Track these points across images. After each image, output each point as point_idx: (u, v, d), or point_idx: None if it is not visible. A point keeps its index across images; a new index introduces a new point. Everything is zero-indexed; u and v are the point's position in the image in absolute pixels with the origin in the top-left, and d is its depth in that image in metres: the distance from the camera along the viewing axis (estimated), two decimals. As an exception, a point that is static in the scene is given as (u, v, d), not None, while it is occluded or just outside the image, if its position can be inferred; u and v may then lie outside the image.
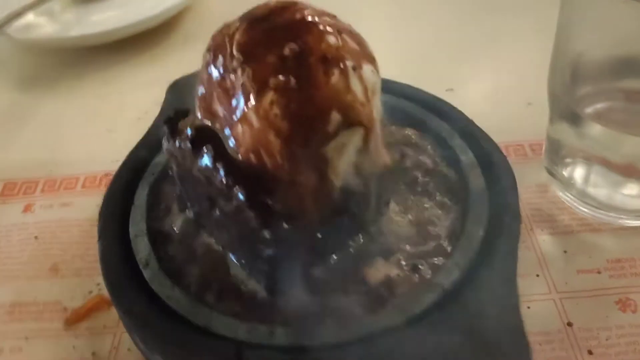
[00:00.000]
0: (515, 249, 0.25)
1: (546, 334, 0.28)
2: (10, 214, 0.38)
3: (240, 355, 0.22)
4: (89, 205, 0.37)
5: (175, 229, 0.28)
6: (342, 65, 0.22)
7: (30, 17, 0.56)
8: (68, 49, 0.56)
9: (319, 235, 0.24)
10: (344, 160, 0.23)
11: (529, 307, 0.29)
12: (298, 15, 0.23)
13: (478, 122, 0.31)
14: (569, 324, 0.28)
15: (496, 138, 0.29)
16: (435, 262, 0.26)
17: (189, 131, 0.24)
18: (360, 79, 0.22)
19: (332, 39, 0.22)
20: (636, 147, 0.30)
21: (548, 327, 0.28)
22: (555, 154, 0.34)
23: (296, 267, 0.24)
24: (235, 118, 0.22)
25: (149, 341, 0.24)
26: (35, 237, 0.35)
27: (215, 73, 0.23)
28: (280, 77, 0.21)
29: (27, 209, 0.38)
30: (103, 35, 0.53)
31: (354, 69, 0.22)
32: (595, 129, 0.31)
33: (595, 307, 0.29)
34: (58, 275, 0.33)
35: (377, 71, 0.23)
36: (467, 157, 0.30)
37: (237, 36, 0.22)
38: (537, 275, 0.30)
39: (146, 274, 0.25)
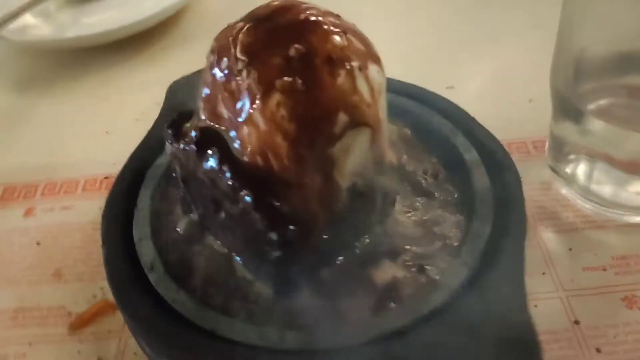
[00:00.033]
0: (522, 247, 0.25)
1: (553, 333, 0.27)
2: (11, 219, 0.38)
3: (251, 359, 0.22)
4: (90, 209, 0.37)
5: (179, 231, 0.28)
6: (348, 66, 0.21)
7: (25, 19, 0.55)
8: (64, 51, 0.55)
9: (325, 237, 0.24)
10: (350, 160, 0.23)
11: (535, 306, 0.29)
12: (302, 16, 0.22)
13: (479, 119, 0.30)
14: (576, 322, 0.28)
15: (498, 136, 0.29)
16: (442, 262, 0.26)
17: (193, 133, 0.24)
18: (367, 79, 0.22)
19: (337, 39, 0.22)
20: (640, 143, 0.30)
21: (555, 326, 0.28)
22: (559, 151, 0.34)
23: (303, 269, 0.24)
24: (240, 120, 0.22)
25: (156, 345, 0.24)
26: (37, 243, 0.35)
27: (219, 75, 0.22)
28: (286, 78, 0.21)
29: (28, 213, 0.38)
30: (100, 37, 0.53)
31: (360, 69, 0.22)
32: (599, 126, 0.31)
33: (602, 305, 0.29)
34: (61, 280, 0.33)
35: (383, 71, 0.23)
36: (470, 155, 0.29)
37: (241, 37, 0.22)
38: (543, 274, 0.30)
39: (152, 277, 0.25)
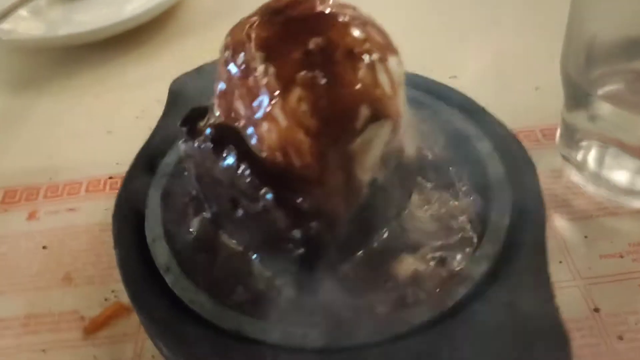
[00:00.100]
0: (543, 236, 0.25)
1: (574, 321, 0.27)
2: (14, 222, 0.37)
3: (276, 359, 0.22)
4: (95, 210, 0.36)
5: (192, 231, 0.28)
6: (369, 58, 0.21)
7: (16, 17, 0.54)
8: (57, 49, 0.54)
9: (346, 232, 0.24)
10: (372, 154, 0.22)
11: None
12: (319, 8, 0.22)
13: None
14: (596, 310, 0.28)
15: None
16: (463, 254, 0.25)
17: (208, 131, 0.23)
18: (387, 71, 0.22)
19: (356, 32, 0.21)
20: (652, 128, 0.30)
21: (575, 314, 0.28)
22: (570, 138, 0.34)
23: (325, 265, 0.24)
24: (259, 116, 0.21)
25: (175, 347, 0.23)
26: (44, 247, 0.34)
27: (235, 70, 0.22)
28: (307, 72, 0.20)
29: (31, 216, 0.37)
30: (93, 34, 0.52)
31: (381, 61, 0.21)
32: (610, 111, 0.31)
33: (621, 292, 0.29)
34: (71, 284, 0.32)
35: (402, 62, 0.23)
36: (483, 145, 0.29)
37: (257, 31, 0.22)
38: (560, 262, 0.30)
39: (168, 279, 0.25)
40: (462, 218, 0.27)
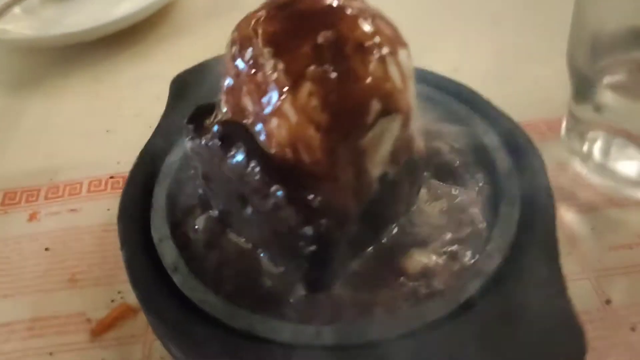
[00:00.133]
0: (553, 228, 0.25)
1: (586, 314, 0.27)
2: (15, 224, 0.36)
3: (288, 358, 0.21)
4: (97, 210, 0.36)
5: (198, 229, 0.27)
6: (379, 52, 0.21)
7: (9, 17, 0.53)
8: (51, 48, 0.53)
9: (356, 228, 0.23)
10: (382, 148, 0.22)
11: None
12: (326, 1, 0.22)
13: (489, 102, 0.30)
14: (608, 302, 0.28)
15: (510, 118, 0.29)
16: (474, 248, 0.25)
17: (215, 128, 0.23)
18: (397, 65, 0.21)
19: (365, 25, 0.21)
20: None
21: (587, 307, 0.28)
22: (577, 130, 0.34)
23: (335, 262, 0.24)
24: (268, 112, 0.21)
25: (186, 348, 0.23)
26: (46, 249, 0.34)
27: (243, 66, 0.22)
28: (317, 67, 0.20)
29: (32, 217, 0.36)
30: (88, 33, 0.51)
31: (391, 54, 0.21)
32: (617, 101, 0.31)
33: (631, 283, 0.29)
34: (77, 286, 0.31)
35: (411, 55, 0.22)
36: (490, 139, 0.29)
37: (264, 26, 0.21)
38: (569, 254, 0.30)
39: (176, 279, 0.24)
40: (472, 211, 0.27)
